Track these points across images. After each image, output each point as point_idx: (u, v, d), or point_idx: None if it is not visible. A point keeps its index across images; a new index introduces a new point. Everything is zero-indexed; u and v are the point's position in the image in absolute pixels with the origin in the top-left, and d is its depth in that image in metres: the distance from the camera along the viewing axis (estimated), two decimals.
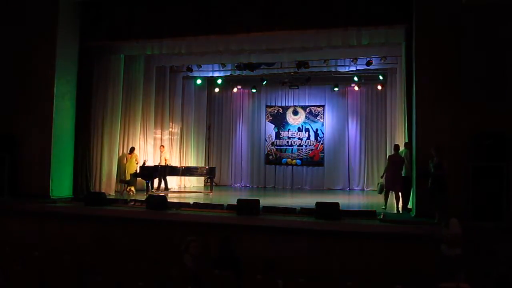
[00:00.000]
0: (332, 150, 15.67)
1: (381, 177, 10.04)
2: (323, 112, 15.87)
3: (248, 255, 6.16)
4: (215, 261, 5.35)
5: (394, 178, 9.23)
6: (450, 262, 5.40)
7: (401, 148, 9.66)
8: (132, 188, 11.96)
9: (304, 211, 8.94)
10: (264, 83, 15.31)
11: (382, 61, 12.26)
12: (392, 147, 10.33)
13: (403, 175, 9.23)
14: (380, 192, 10.12)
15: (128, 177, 12.24)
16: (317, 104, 15.96)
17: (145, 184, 12.30)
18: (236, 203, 8.86)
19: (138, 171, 12.25)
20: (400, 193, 9.21)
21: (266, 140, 16.39)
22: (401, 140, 10.78)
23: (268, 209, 9.00)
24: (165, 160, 13.27)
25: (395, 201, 9.22)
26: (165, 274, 4.98)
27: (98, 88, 11.45)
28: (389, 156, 10.06)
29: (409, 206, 9.05)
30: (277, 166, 16.24)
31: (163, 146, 13.67)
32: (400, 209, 9.12)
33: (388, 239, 6.75)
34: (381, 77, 14.38)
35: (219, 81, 15.73)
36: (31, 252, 5.63)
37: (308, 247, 7.00)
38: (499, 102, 7.89)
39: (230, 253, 5.49)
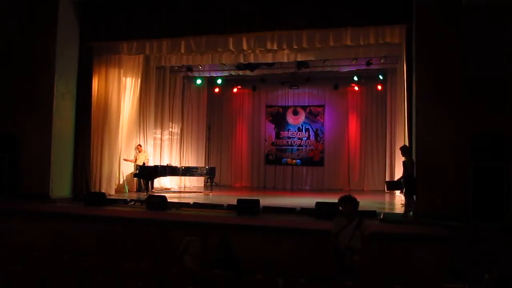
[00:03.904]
0: (332, 150, 15.67)
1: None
2: (323, 112, 15.87)
3: (248, 255, 6.16)
4: (214, 261, 5.35)
5: None
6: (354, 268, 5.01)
7: None
8: None
9: (304, 211, 8.94)
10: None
11: (382, 61, 12.27)
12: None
13: None
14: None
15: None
16: (317, 104, 15.96)
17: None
18: (236, 203, 8.86)
19: (138, 171, 12.29)
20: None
21: (266, 140, 16.39)
22: (401, 140, 10.79)
23: (268, 209, 9.01)
24: (147, 160, 12.93)
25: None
26: (165, 274, 4.98)
27: (98, 88, 11.46)
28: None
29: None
30: (277, 166, 16.24)
31: (141, 145, 13.17)
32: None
33: (388, 239, 6.75)
34: (381, 77, 14.38)
35: (219, 81, 15.75)
36: (31, 252, 5.62)
37: (308, 247, 7.00)
38: (499, 102, 7.89)
39: (229, 253, 5.49)
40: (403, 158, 8.87)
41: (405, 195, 8.56)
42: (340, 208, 5.33)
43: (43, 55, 10.35)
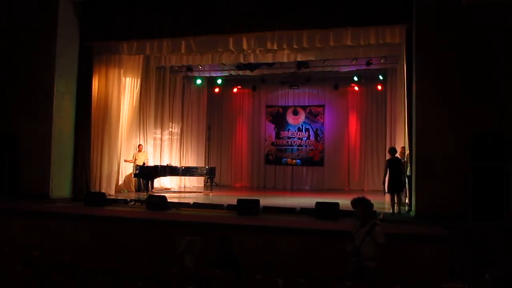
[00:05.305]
0: (332, 150, 15.66)
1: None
2: (323, 112, 15.86)
3: (248, 255, 6.16)
4: (214, 261, 5.35)
5: None
6: (363, 273, 4.85)
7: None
8: None
9: (304, 211, 8.95)
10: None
11: (382, 61, 12.27)
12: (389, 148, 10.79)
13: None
14: None
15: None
16: (317, 104, 15.95)
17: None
18: (236, 203, 8.87)
19: (138, 171, 12.29)
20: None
21: (266, 140, 16.39)
22: (401, 140, 10.79)
23: (268, 209, 9.02)
24: (147, 160, 12.97)
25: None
26: (165, 274, 4.98)
27: (98, 88, 11.45)
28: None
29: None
30: (277, 166, 16.23)
31: (141, 145, 13.19)
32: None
33: (388, 239, 6.74)
34: (381, 77, 14.38)
35: (219, 81, 15.74)
36: (31, 252, 5.62)
37: (308, 247, 7.00)
38: (499, 102, 7.89)
39: (229, 253, 5.49)
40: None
41: (396, 194, 8.92)
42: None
43: (43, 55, 10.35)
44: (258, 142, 16.51)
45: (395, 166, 8.98)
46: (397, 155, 9.44)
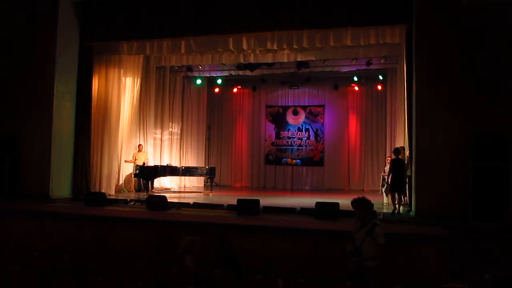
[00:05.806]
0: (332, 150, 15.66)
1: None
2: (323, 112, 15.86)
3: (248, 255, 6.16)
4: (214, 261, 5.35)
5: None
6: (363, 273, 4.87)
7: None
8: None
9: (304, 211, 8.95)
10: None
11: (382, 61, 12.27)
12: (393, 148, 10.86)
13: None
14: None
15: None
16: (317, 104, 15.96)
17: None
18: (236, 203, 8.87)
19: (138, 171, 12.29)
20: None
21: (266, 140, 16.39)
22: (401, 140, 10.80)
23: (268, 209, 9.03)
24: (147, 160, 12.98)
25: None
26: (165, 274, 4.98)
27: (98, 88, 11.45)
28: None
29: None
30: (277, 166, 16.23)
31: (141, 145, 13.21)
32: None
33: (388, 239, 6.74)
34: (381, 77, 14.38)
35: (219, 81, 15.75)
36: (31, 252, 5.63)
37: (308, 247, 7.00)
38: (499, 102, 7.89)
39: (228, 253, 5.49)
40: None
41: (396, 193, 8.98)
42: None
43: (43, 55, 10.35)
44: (258, 142, 16.51)
45: (397, 166, 9.03)
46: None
